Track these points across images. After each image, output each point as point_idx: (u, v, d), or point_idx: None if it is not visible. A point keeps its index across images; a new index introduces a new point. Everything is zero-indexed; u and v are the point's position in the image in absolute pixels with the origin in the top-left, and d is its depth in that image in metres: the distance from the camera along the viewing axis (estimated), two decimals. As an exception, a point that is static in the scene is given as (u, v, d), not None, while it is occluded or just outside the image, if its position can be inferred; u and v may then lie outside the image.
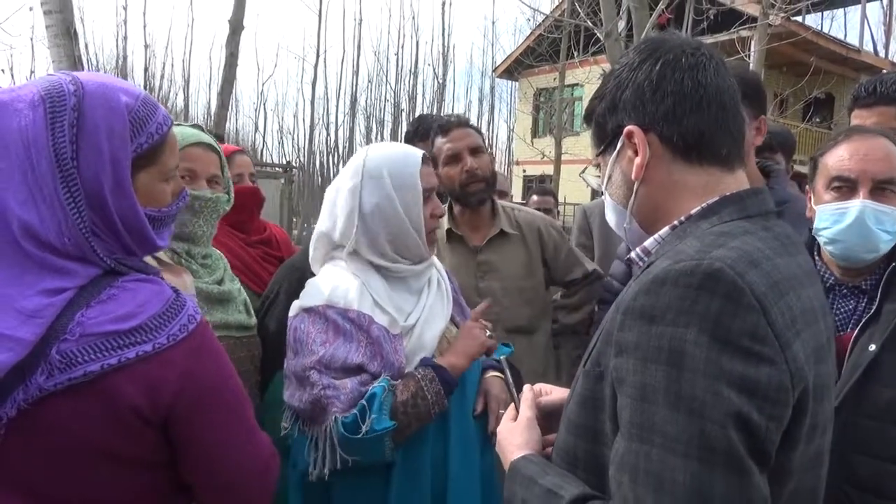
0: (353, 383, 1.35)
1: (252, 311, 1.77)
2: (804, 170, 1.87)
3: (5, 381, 0.86)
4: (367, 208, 1.45)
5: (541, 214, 2.43)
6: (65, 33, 3.83)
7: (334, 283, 1.46)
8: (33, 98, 0.93)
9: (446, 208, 2.32)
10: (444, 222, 2.29)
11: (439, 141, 2.24)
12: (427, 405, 1.35)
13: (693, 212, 0.91)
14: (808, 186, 1.59)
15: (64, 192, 0.91)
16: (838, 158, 1.47)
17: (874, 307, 1.43)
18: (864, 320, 1.43)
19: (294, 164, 21.68)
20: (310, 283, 1.51)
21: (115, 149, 0.94)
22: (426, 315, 1.48)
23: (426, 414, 1.36)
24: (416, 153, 1.51)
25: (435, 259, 1.64)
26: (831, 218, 1.46)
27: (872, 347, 1.38)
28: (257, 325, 1.76)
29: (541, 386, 1.22)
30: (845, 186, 1.45)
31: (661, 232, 0.95)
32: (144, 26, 22.20)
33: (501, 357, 1.33)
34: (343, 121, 26.96)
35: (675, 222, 0.93)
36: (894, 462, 1.34)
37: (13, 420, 0.87)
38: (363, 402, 1.32)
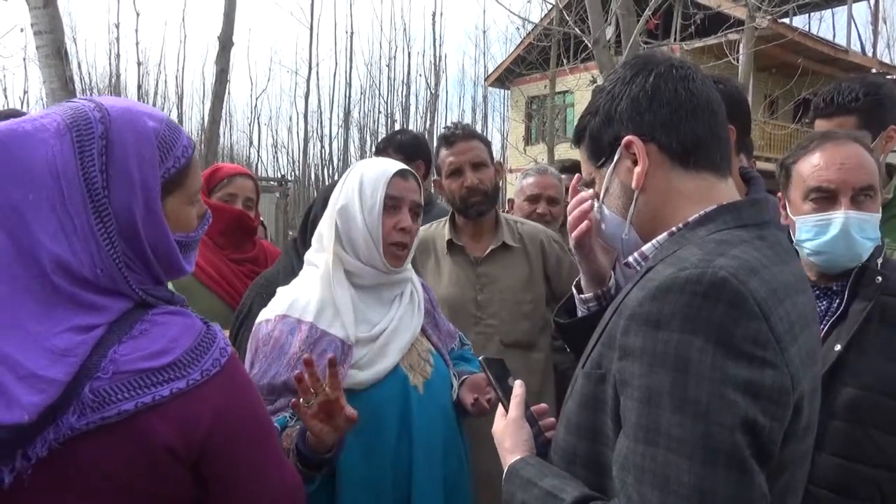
0: None
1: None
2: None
3: (36, 420, 0.81)
4: (338, 206, 1.52)
5: (543, 227, 2.43)
6: (56, 53, 3.86)
7: (297, 293, 1.50)
8: (58, 127, 0.89)
9: (447, 219, 2.33)
10: (446, 233, 2.29)
11: (443, 153, 2.25)
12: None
13: (691, 219, 0.93)
14: (780, 193, 1.57)
15: (97, 223, 0.89)
16: (814, 168, 1.46)
17: (842, 307, 1.43)
18: (831, 320, 1.43)
19: (289, 177, 21.70)
20: (278, 291, 1.55)
21: (145, 176, 0.92)
22: (394, 326, 1.49)
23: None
24: (392, 166, 1.54)
25: (412, 272, 1.65)
26: (814, 230, 1.44)
27: (838, 347, 1.38)
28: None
29: None
30: (824, 197, 1.44)
31: (658, 238, 0.96)
32: (137, 44, 22.09)
33: (481, 358, 1.30)
34: (337, 133, 26.99)
35: (673, 228, 0.95)
36: (858, 462, 1.34)
37: (42, 459, 0.83)
38: None
